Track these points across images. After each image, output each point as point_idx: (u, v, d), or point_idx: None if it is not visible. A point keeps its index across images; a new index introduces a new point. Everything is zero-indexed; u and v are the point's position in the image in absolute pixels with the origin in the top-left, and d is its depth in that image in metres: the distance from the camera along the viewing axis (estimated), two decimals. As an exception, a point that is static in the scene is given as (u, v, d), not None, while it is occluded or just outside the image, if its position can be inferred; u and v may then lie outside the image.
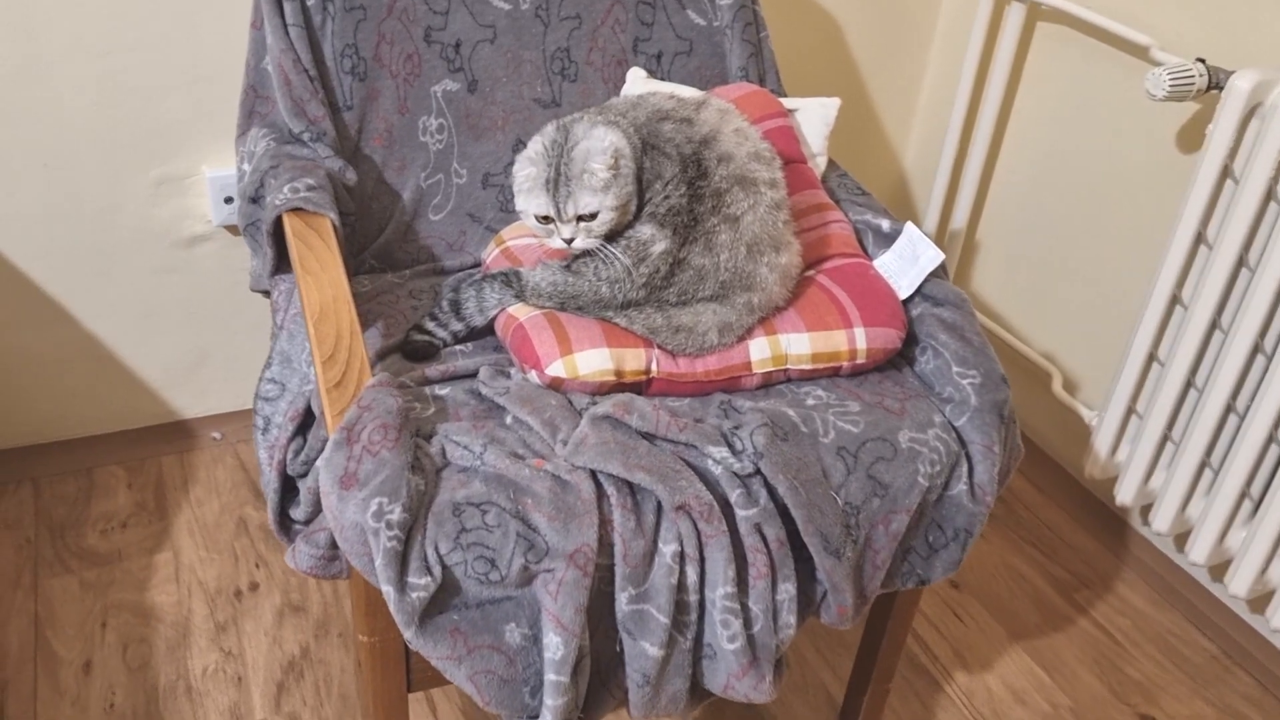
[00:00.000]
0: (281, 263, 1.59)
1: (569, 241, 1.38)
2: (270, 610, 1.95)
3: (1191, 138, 1.98)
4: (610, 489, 1.22)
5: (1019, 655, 2.02)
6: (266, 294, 1.77)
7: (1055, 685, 1.96)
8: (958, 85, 2.45)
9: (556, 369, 1.35)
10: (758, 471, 1.27)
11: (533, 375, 1.37)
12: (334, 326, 1.30)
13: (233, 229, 2.13)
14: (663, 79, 1.88)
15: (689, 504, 1.21)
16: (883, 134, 2.65)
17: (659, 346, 1.40)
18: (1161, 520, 1.97)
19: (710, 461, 1.28)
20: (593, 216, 1.36)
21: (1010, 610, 2.12)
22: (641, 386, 1.40)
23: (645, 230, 1.37)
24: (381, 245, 1.73)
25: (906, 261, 1.53)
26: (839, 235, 1.58)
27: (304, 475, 1.42)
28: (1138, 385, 2.00)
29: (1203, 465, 1.90)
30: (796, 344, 1.43)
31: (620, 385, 1.38)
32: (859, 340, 1.45)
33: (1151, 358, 1.97)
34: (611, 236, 1.40)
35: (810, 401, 1.42)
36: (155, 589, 1.97)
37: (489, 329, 1.54)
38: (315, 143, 1.62)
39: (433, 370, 1.42)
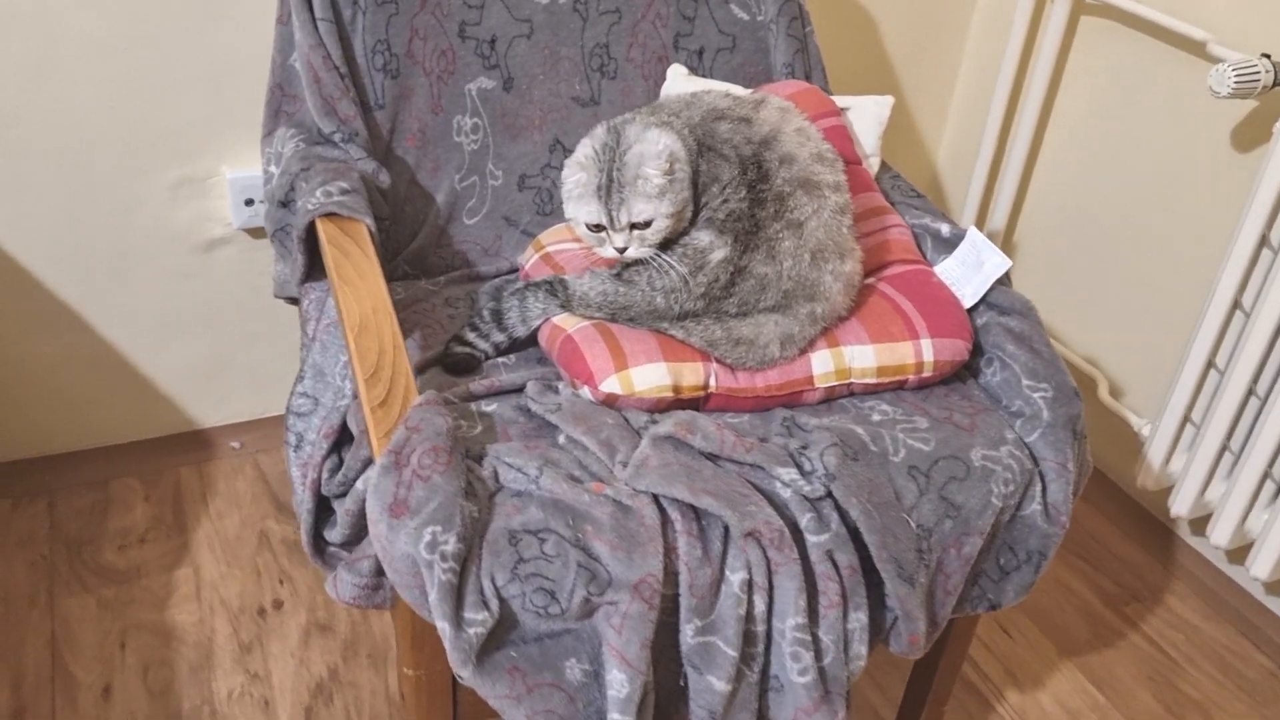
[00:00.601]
0: (313, 270, 1.51)
1: (621, 250, 1.31)
2: (296, 629, 1.88)
3: (1249, 136, 1.91)
4: (675, 514, 1.15)
5: (1071, 672, 1.95)
6: (291, 300, 1.69)
7: (1110, 704, 1.89)
8: (996, 80, 2.37)
9: (611, 385, 1.27)
10: (829, 494, 1.20)
11: (585, 391, 1.29)
12: (376, 341, 1.23)
13: (254, 232, 2.06)
14: (704, 76, 1.80)
15: (758, 530, 1.14)
16: (915, 131, 2.58)
17: (717, 360, 1.32)
18: (1220, 534, 1.90)
19: (778, 484, 1.21)
20: (647, 224, 1.28)
21: (1060, 625, 2.05)
22: (699, 402, 1.32)
23: (703, 237, 1.30)
24: (415, 250, 1.66)
25: (970, 268, 1.46)
26: (899, 241, 1.51)
27: (341, 495, 1.35)
28: (1194, 393, 1.93)
29: (1264, 477, 1.82)
30: (860, 356, 1.35)
31: (678, 401, 1.30)
32: (926, 352, 1.37)
33: (1210, 365, 1.90)
34: (666, 244, 1.32)
35: (876, 417, 1.35)
36: (176, 608, 1.90)
37: (531, 339, 1.46)
38: (347, 144, 1.55)
39: (478, 385, 1.35)
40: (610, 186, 1.27)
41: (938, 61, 2.49)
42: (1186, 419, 1.96)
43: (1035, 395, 1.37)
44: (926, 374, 1.39)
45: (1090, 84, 2.20)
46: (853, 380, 1.36)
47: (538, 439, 1.25)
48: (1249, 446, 1.79)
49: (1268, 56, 1.74)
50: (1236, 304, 1.83)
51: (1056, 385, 1.38)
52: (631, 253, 1.30)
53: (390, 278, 1.65)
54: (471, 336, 1.44)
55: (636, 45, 1.75)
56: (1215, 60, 1.92)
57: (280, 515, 2.13)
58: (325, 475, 1.37)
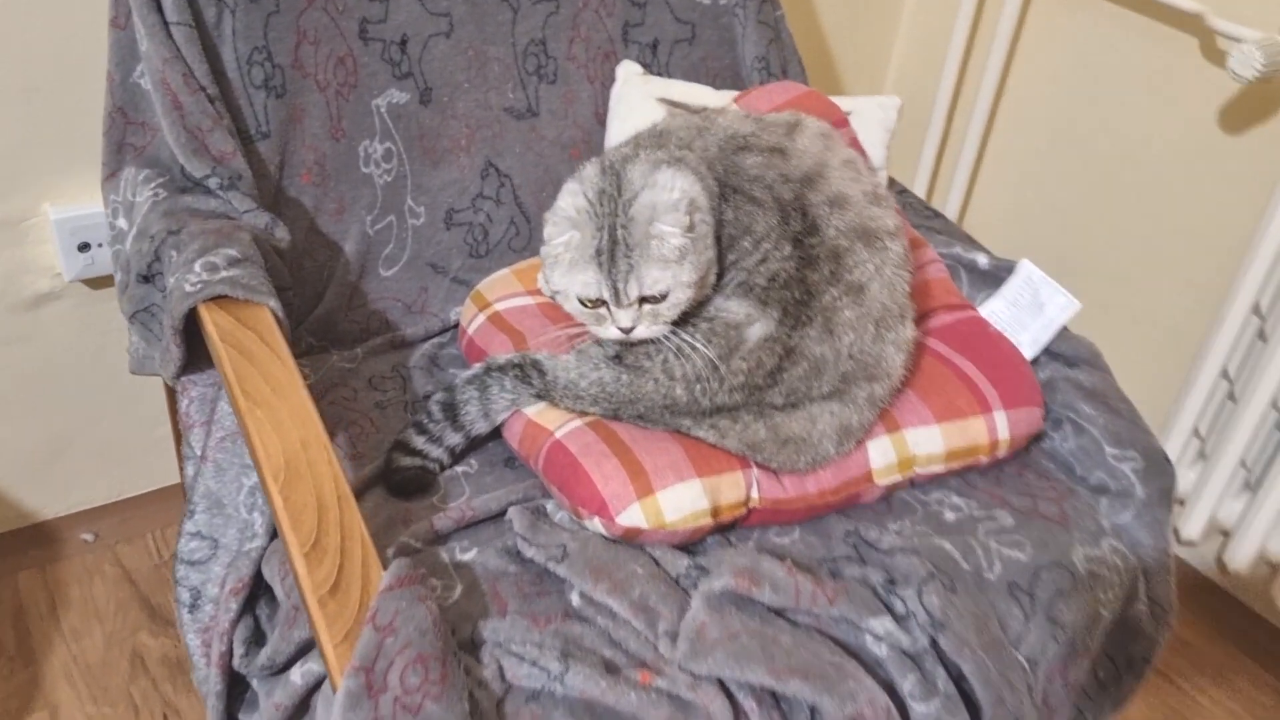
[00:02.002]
0: (193, 358, 1.13)
1: (628, 331, 0.99)
2: (193, 784, 1.51)
3: (1250, 118, 1.71)
4: (749, 704, 0.86)
5: None
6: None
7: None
8: (944, 61, 2.12)
9: (633, 517, 0.96)
10: (933, 644, 0.93)
11: (595, 523, 0.98)
12: (312, 493, 0.88)
13: (92, 282, 1.63)
14: (660, 74, 1.48)
15: (862, 715, 0.86)
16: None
17: (759, 465, 1.02)
18: (1240, 556, 1.73)
19: (869, 638, 0.92)
20: (662, 297, 0.97)
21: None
22: (738, 521, 1.03)
23: (736, 308, 0.99)
24: (321, 317, 1.30)
25: (1025, 311, 1.20)
26: (939, 281, 1.24)
27: (265, 674, 1.00)
28: (1200, 412, 1.74)
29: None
30: (926, 441, 1.08)
31: (717, 527, 1.00)
32: (1000, 428, 1.11)
33: (1223, 374, 1.71)
34: (682, 316, 1.01)
35: (950, 516, 1.08)
36: (32, 772, 1.50)
37: (493, 434, 1.14)
38: (227, 191, 1.17)
39: (443, 519, 1.01)
40: (614, 250, 0.95)
41: (870, 36, 2.23)
42: (1195, 433, 1.78)
43: (1123, 466, 1.13)
44: (1001, 454, 1.13)
45: (1051, 63, 1.97)
46: (916, 471, 1.09)
47: (544, 602, 0.93)
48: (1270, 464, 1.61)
49: (1291, 33, 1.54)
50: (1255, 309, 1.64)
51: (1145, 452, 1.14)
52: (640, 333, 0.99)
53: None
54: (419, 442, 1.10)
55: (579, 40, 1.41)
56: (1213, 36, 1.71)
57: (155, 625, 1.73)
58: (238, 648, 1.02)
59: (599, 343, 1.06)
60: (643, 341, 1.02)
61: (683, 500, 0.97)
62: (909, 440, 1.08)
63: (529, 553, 0.97)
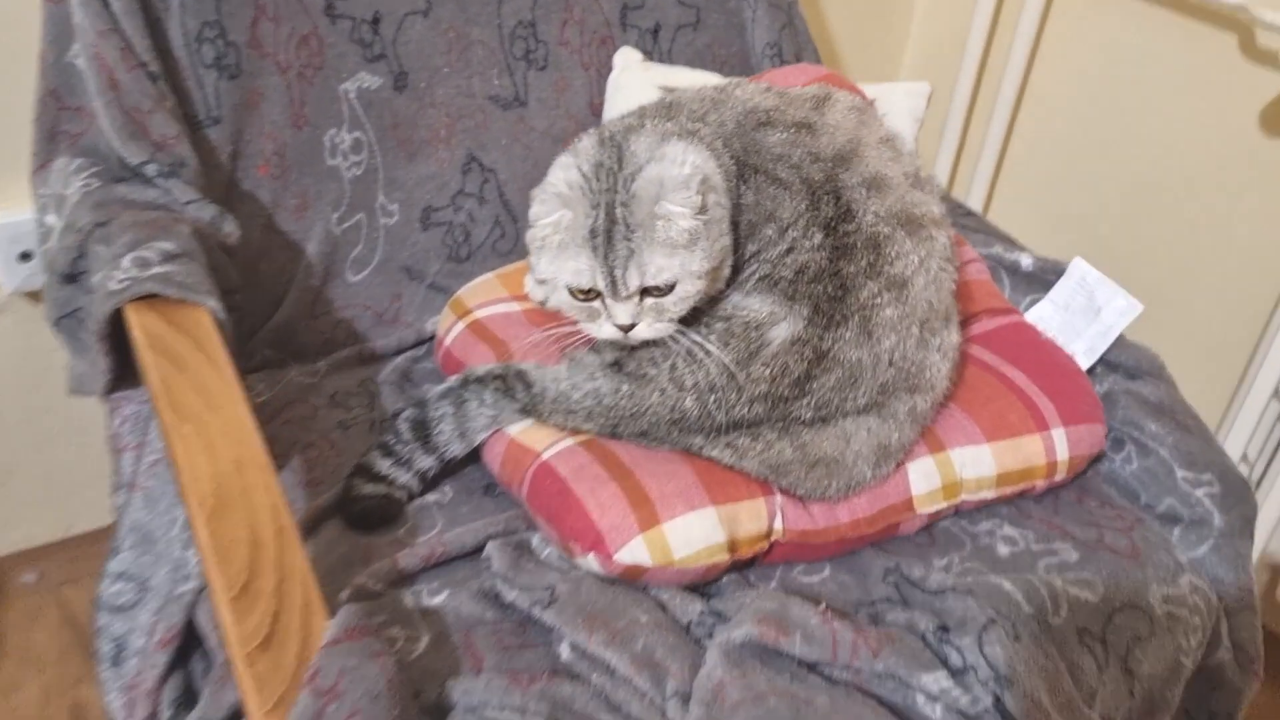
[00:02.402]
0: (125, 372, 0.98)
1: (627, 329, 0.84)
2: None
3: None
4: (779, 781, 0.69)
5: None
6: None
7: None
8: (962, 58, 1.99)
9: (635, 552, 0.81)
10: (997, 703, 0.77)
11: (589, 561, 0.82)
12: (244, 524, 0.72)
13: (35, 295, 1.48)
14: (662, 61, 1.34)
15: (916, 794, 0.70)
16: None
17: (782, 491, 0.87)
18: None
19: (921, 697, 0.77)
20: (668, 289, 0.82)
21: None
22: (757, 555, 0.87)
23: (758, 305, 0.85)
24: (279, 326, 1.15)
25: (1079, 316, 1.05)
26: (980, 283, 1.09)
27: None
28: (1249, 436, 1.59)
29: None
30: (974, 462, 0.93)
31: (734, 564, 0.85)
32: (1059, 448, 0.96)
33: (1276, 393, 1.56)
34: (694, 315, 0.86)
35: (1004, 550, 0.93)
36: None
37: (471, 456, 0.98)
38: (168, 179, 1.02)
39: (409, 556, 0.86)
40: (611, 231, 0.81)
41: (884, 33, 2.10)
42: (1243, 458, 1.63)
43: (1197, 491, 0.98)
44: (1059, 478, 0.98)
45: (1077, 63, 1.84)
46: (963, 498, 0.94)
47: (528, 656, 0.77)
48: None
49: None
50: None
51: (1222, 475, 0.99)
52: (642, 332, 0.84)
53: (244, 369, 1.12)
54: (385, 465, 0.95)
55: (572, 23, 1.27)
56: (1254, 32, 1.58)
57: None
58: (165, 709, 0.87)
59: (595, 349, 0.91)
60: (646, 345, 0.87)
61: (694, 533, 0.82)
62: (955, 461, 0.93)
63: (510, 596, 0.81)
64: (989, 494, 0.95)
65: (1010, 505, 0.98)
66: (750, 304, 0.85)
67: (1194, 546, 0.98)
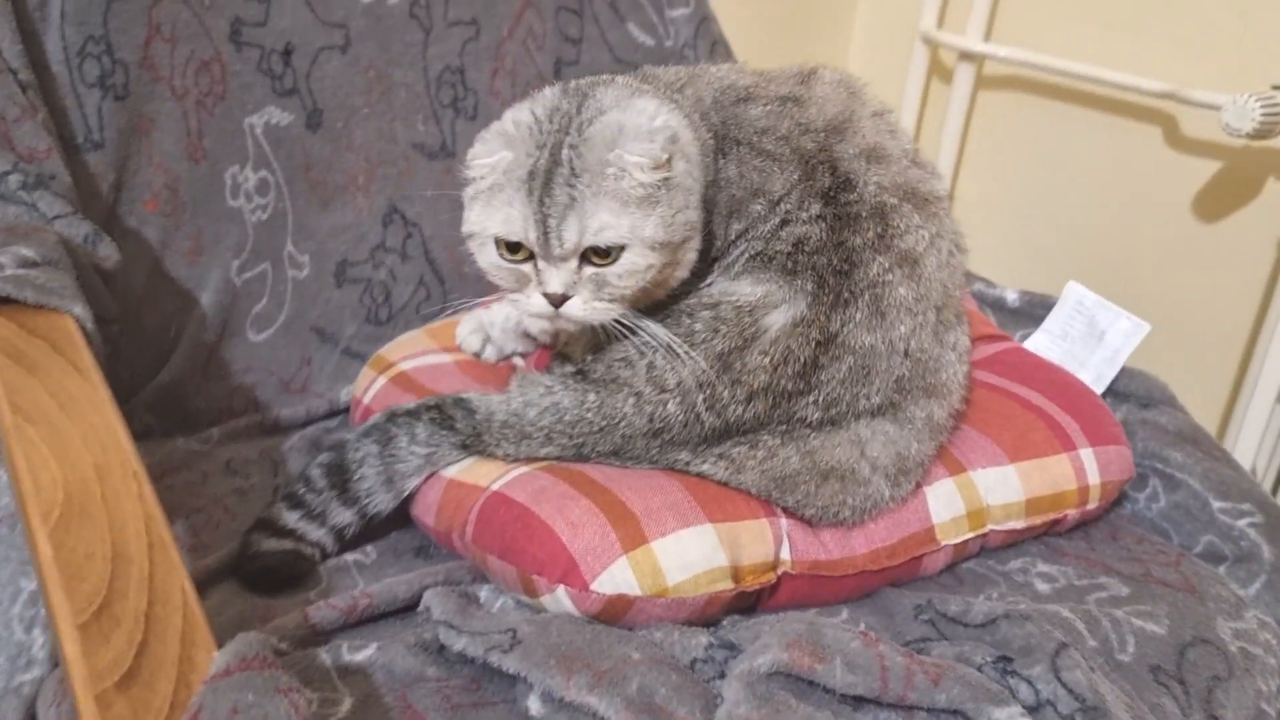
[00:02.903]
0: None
1: (559, 303, 0.70)
2: None
3: (1233, 192, 1.57)
4: None
5: None
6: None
7: None
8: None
9: (618, 579, 0.64)
10: (1084, 746, 0.61)
11: (559, 596, 0.65)
12: (104, 537, 0.54)
13: None
14: (599, 121, 1.25)
15: None
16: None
17: (788, 513, 0.72)
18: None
19: (991, 739, 0.60)
20: (613, 255, 0.68)
21: None
22: (763, 591, 0.71)
23: (749, 290, 0.72)
24: (164, 388, 0.97)
25: (1080, 344, 0.95)
26: (970, 312, 0.98)
27: None
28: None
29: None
30: (1000, 486, 0.79)
31: (739, 597, 0.68)
32: (1090, 470, 0.83)
33: None
34: (662, 309, 0.73)
35: (1043, 587, 0.78)
36: None
37: (398, 515, 0.81)
38: (32, 191, 0.86)
39: (323, 610, 0.67)
40: (552, 174, 0.68)
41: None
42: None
43: (1240, 524, 0.86)
44: (1091, 506, 0.84)
45: (1005, 162, 1.83)
46: (990, 528, 0.79)
47: (484, 716, 0.58)
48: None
49: (1279, 89, 1.40)
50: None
51: (1262, 504, 0.88)
52: (575, 309, 0.70)
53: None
54: (292, 519, 0.77)
55: (503, 73, 1.18)
56: (1178, 123, 1.59)
57: None
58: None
59: (557, 358, 0.76)
60: (615, 345, 0.73)
61: (691, 553, 0.65)
62: (979, 485, 0.79)
63: (458, 645, 0.63)
64: (1018, 524, 0.81)
65: (1039, 543, 0.84)
66: (740, 288, 0.72)
67: (1244, 585, 0.85)
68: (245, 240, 1.02)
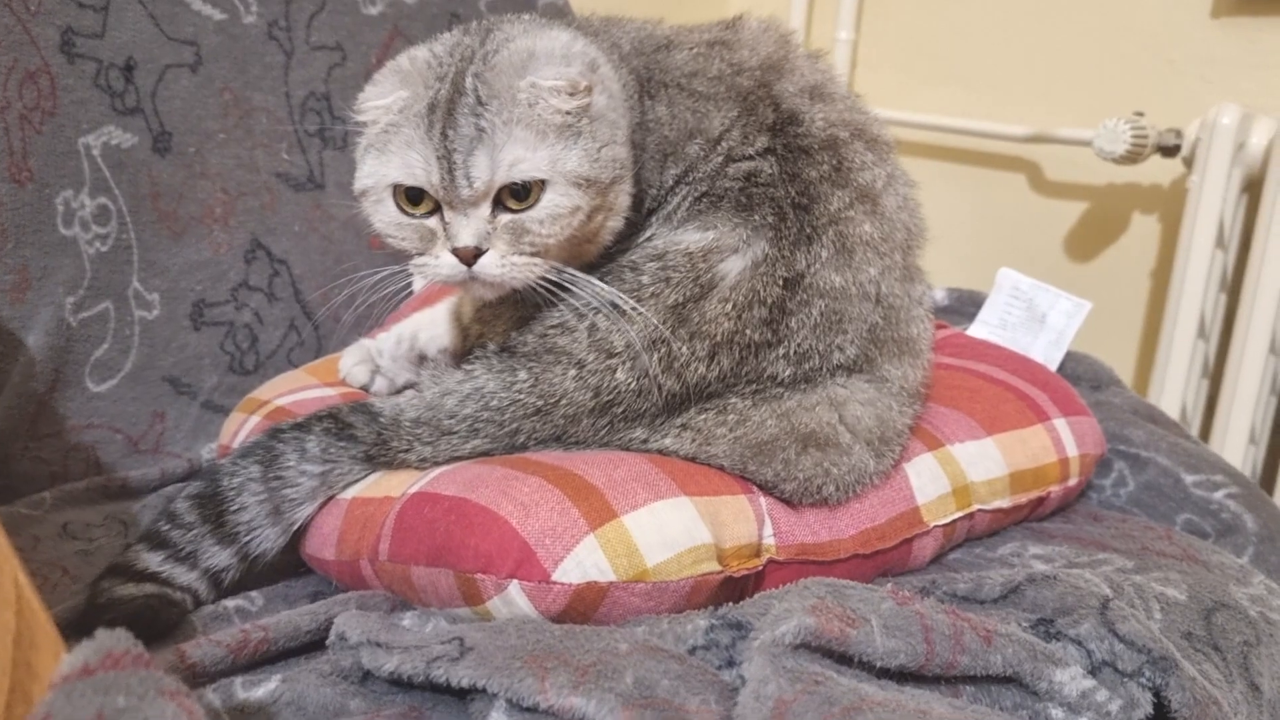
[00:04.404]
0: None
1: (472, 258, 0.59)
2: None
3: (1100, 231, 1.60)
4: None
5: None
6: None
7: None
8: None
9: (585, 563, 0.52)
10: (1159, 700, 0.51)
11: (511, 595, 0.52)
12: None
13: None
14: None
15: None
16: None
17: (765, 490, 0.61)
18: None
19: (1053, 706, 0.49)
20: (532, 195, 0.59)
21: None
22: (747, 582, 0.59)
23: (698, 236, 0.63)
24: (-19, 446, 0.80)
25: (1022, 329, 0.90)
26: (904, 302, 0.92)
27: None
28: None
29: None
30: (981, 460, 0.71)
31: (726, 584, 0.57)
32: (1067, 442, 0.76)
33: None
34: (593, 267, 0.63)
35: (1042, 568, 0.69)
36: None
37: (287, 556, 0.67)
38: None
39: (204, 648, 0.52)
40: (455, 104, 0.59)
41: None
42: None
43: (1216, 495, 0.80)
44: (1072, 482, 0.77)
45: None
46: (976, 508, 0.71)
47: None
48: None
49: (1141, 114, 1.45)
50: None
51: (1232, 475, 0.83)
52: (491, 266, 0.60)
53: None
54: (153, 560, 0.62)
55: (373, 103, 1.08)
56: (1041, 169, 1.64)
57: None
58: None
59: (479, 349, 0.65)
60: (545, 312, 0.62)
61: (671, 527, 0.54)
62: (960, 459, 0.70)
63: (389, 665, 0.49)
64: (1004, 503, 0.72)
65: (1023, 528, 0.76)
66: (687, 236, 0.63)
67: (1237, 557, 0.78)
68: (82, 275, 0.87)
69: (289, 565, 0.69)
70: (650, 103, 0.66)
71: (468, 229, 0.59)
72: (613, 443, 0.61)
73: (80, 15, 0.90)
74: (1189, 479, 0.82)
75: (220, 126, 0.98)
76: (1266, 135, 1.32)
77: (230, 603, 0.63)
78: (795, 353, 0.61)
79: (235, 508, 0.64)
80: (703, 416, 0.60)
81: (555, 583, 0.51)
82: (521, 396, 0.61)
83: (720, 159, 0.64)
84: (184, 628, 0.60)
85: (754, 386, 0.61)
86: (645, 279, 0.61)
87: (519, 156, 0.58)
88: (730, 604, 0.54)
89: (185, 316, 0.94)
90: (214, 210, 0.97)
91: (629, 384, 0.60)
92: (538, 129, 0.59)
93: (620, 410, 0.60)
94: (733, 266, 0.61)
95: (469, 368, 0.64)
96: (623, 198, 0.63)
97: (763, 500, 0.60)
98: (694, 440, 0.60)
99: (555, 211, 0.59)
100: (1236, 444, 1.29)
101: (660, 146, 0.65)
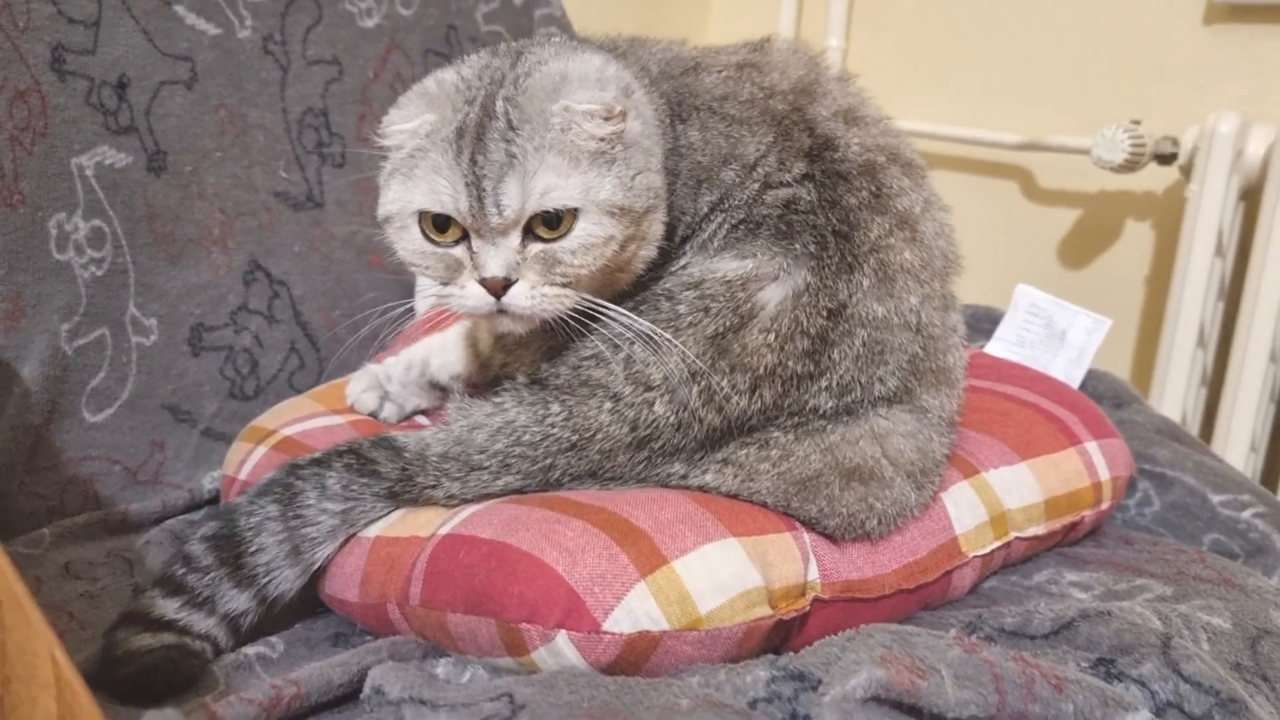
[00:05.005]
0: None
1: (501, 289, 0.57)
2: None
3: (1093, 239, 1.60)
4: None
5: None
6: None
7: None
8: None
9: (637, 611, 0.50)
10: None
11: (559, 646, 0.50)
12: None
13: None
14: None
15: None
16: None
17: (808, 525, 0.59)
18: None
19: (1128, 757, 0.48)
20: (564, 224, 0.57)
21: None
22: (793, 623, 0.57)
23: (735, 264, 0.61)
24: (-24, 482, 0.76)
25: (1041, 346, 0.89)
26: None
27: None
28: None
29: None
30: (1016, 486, 0.70)
31: (778, 627, 0.55)
32: (1099, 466, 0.75)
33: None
34: (625, 296, 0.61)
35: (1081, 596, 0.68)
36: None
37: (303, 596, 0.64)
38: None
39: (235, 707, 0.50)
40: (485, 129, 0.57)
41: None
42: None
43: (1245, 516, 0.80)
44: (1104, 505, 0.76)
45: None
46: (1012, 536, 0.69)
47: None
48: None
49: (1138, 122, 1.44)
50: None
51: (1258, 494, 0.82)
52: (521, 298, 0.58)
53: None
54: (169, 608, 0.59)
55: (371, 118, 1.06)
56: (1034, 177, 1.63)
57: None
58: None
59: (507, 381, 0.63)
60: (577, 345, 0.60)
61: (721, 571, 0.52)
62: (995, 486, 0.69)
63: (438, 723, 0.46)
64: (1039, 529, 0.71)
65: (1055, 554, 0.75)
66: (724, 264, 0.61)
67: (1268, 577, 0.77)
68: (77, 300, 0.84)
69: (304, 605, 0.66)
70: (682, 127, 0.64)
71: (496, 259, 0.57)
72: (650, 479, 0.59)
73: (70, 31, 0.87)
74: (1216, 499, 0.81)
75: (216, 145, 0.95)
76: (1264, 143, 1.32)
77: (251, 650, 0.61)
78: (838, 385, 0.59)
79: (253, 549, 0.61)
80: (744, 451, 0.59)
81: (606, 633, 0.49)
82: (555, 431, 0.59)
83: (757, 185, 0.62)
84: (205, 678, 0.58)
85: (796, 419, 0.59)
86: (682, 309, 0.59)
87: (551, 184, 0.56)
88: (789, 653, 0.52)
89: (184, 342, 0.91)
90: (211, 231, 0.94)
91: (668, 417, 0.58)
92: (571, 155, 0.57)
93: (659, 445, 0.58)
94: (772, 295, 0.59)
95: (498, 400, 0.61)
96: (656, 226, 0.61)
97: (806, 537, 0.59)
98: (735, 476, 0.58)
99: (588, 241, 0.58)
100: (1237, 451, 1.29)
101: (694, 172, 0.63)
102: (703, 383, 0.58)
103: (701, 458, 0.59)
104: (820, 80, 0.67)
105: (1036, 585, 0.70)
